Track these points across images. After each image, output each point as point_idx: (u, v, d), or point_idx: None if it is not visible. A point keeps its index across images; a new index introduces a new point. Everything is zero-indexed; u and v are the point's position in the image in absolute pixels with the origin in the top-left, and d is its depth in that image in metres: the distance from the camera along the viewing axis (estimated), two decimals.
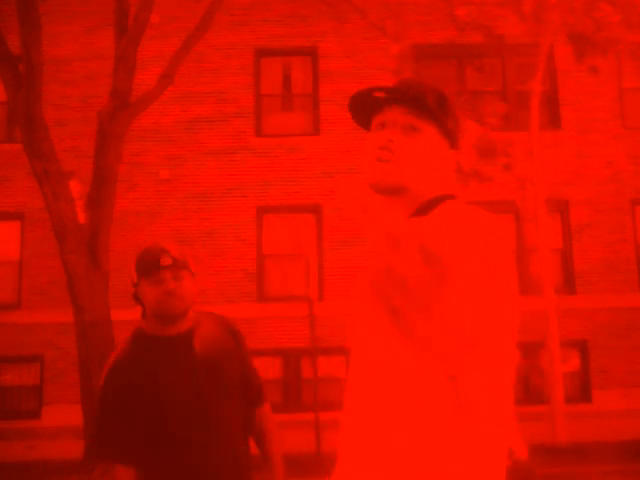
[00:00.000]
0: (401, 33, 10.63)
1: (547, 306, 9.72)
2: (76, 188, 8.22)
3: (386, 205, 1.40)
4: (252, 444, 2.42)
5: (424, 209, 1.43)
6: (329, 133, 12.93)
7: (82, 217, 8.09)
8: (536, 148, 10.10)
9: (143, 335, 2.38)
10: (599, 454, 8.51)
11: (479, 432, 1.27)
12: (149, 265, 2.34)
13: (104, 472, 7.40)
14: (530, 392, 12.25)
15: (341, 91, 13.13)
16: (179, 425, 2.24)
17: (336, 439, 1.40)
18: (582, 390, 12.33)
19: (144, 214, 12.65)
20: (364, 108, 1.51)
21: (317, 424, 10.44)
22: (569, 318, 11.83)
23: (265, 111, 13.36)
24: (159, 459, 2.24)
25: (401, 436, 1.27)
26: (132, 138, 11.24)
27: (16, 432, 11.56)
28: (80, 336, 7.94)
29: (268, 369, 11.90)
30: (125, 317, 11.60)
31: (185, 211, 12.69)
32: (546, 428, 9.65)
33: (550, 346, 9.60)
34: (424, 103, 1.46)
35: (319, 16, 13.25)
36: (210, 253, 12.54)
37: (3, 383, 12.26)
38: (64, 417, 11.52)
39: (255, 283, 12.55)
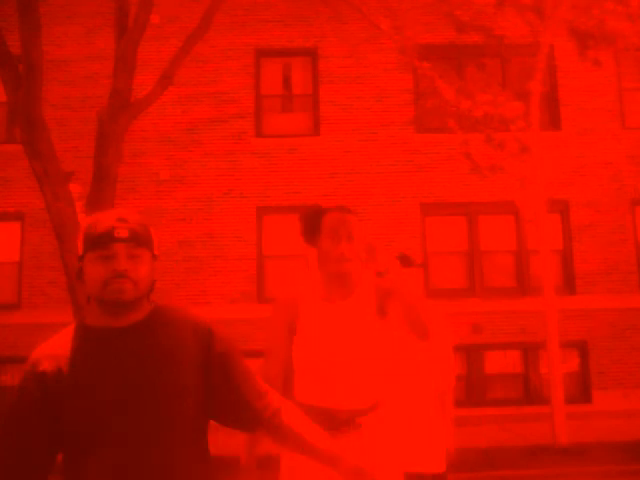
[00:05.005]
0: (400, 30, 10.60)
1: (547, 306, 9.70)
2: (76, 188, 8.21)
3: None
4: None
5: None
6: (329, 134, 12.93)
7: (82, 217, 8.08)
8: (536, 148, 10.09)
9: (84, 327, 1.87)
10: (599, 454, 8.50)
11: None
12: (99, 236, 1.82)
13: None
14: (530, 392, 12.26)
15: (341, 92, 13.14)
16: (117, 427, 1.80)
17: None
18: (582, 390, 12.33)
19: (144, 215, 12.61)
20: None
21: None
22: (569, 318, 11.83)
23: (265, 112, 13.36)
24: (92, 459, 1.84)
25: None
26: (132, 139, 11.24)
27: None
28: None
29: None
30: None
31: (185, 212, 12.69)
32: (546, 428, 9.64)
33: (550, 346, 9.59)
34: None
35: (319, 17, 13.25)
36: (210, 254, 12.55)
37: (3, 383, 12.26)
38: None
39: (255, 284, 12.55)
